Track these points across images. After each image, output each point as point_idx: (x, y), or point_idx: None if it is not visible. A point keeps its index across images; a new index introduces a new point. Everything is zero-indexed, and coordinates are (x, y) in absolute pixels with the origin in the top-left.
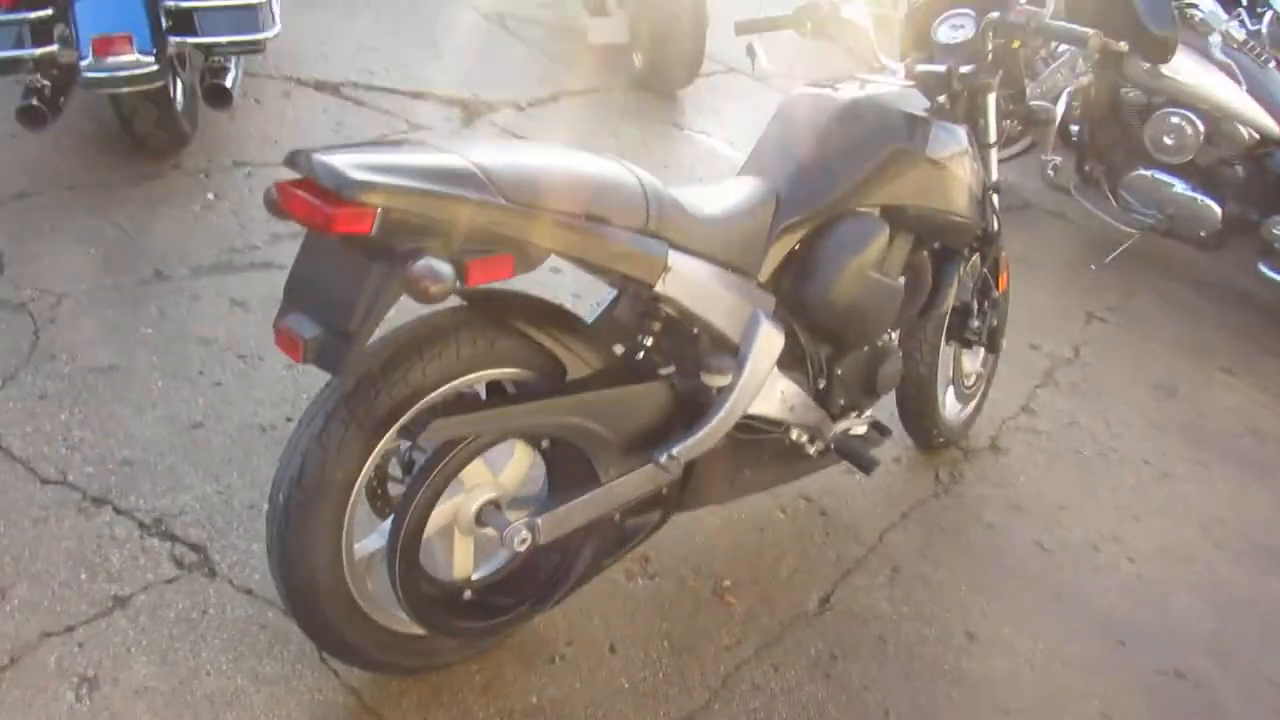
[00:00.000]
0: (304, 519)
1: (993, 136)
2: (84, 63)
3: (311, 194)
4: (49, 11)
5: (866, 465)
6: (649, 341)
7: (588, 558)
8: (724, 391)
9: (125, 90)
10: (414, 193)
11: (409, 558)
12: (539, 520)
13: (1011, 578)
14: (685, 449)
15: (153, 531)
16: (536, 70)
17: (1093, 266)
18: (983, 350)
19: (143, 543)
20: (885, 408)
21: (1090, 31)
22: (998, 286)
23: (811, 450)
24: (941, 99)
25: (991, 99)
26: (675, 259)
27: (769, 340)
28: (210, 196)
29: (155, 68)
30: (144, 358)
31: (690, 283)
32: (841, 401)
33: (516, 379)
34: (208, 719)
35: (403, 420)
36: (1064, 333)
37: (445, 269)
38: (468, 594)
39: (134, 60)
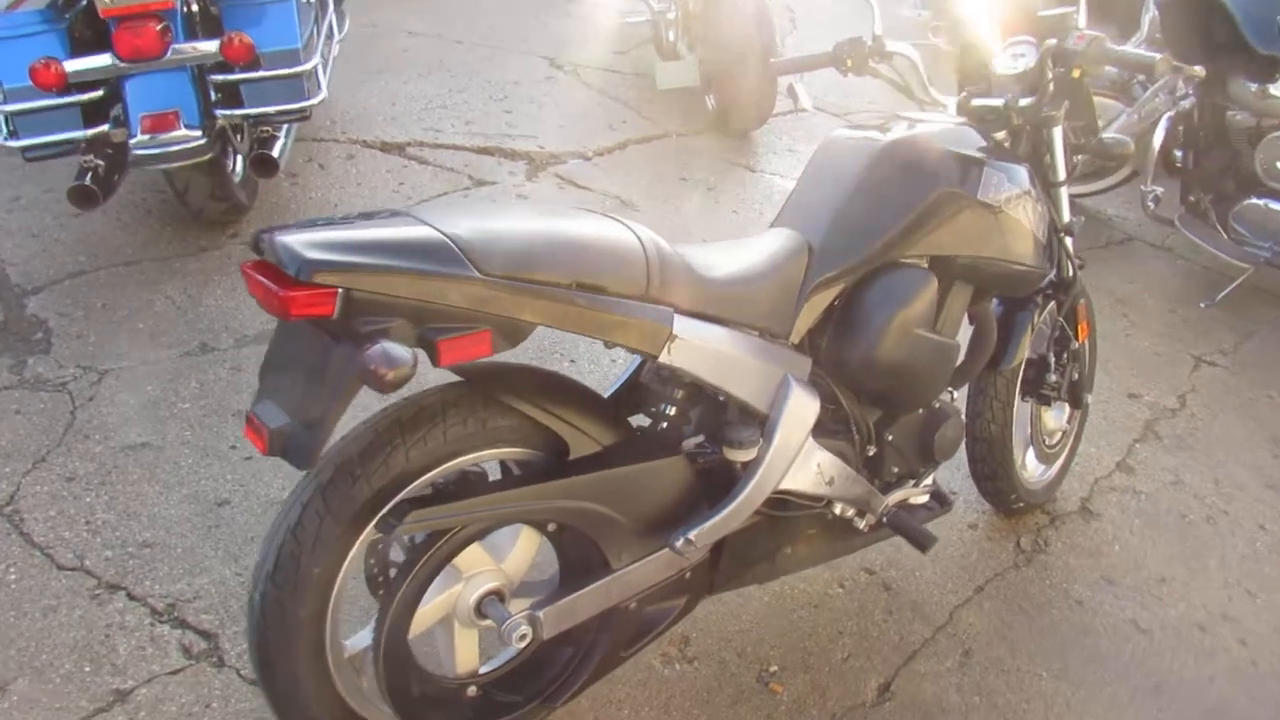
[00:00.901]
0: (280, 617)
1: (1061, 174)
2: (133, 140)
3: (269, 277)
4: (100, 93)
5: (921, 542)
6: (672, 412)
7: (603, 650)
8: (750, 467)
9: (175, 165)
10: (377, 270)
11: (395, 655)
12: (540, 614)
13: (1102, 663)
14: (703, 532)
15: (164, 618)
16: (606, 118)
17: (1202, 305)
18: (1067, 406)
19: (152, 631)
20: (958, 468)
21: (1157, 57)
22: (1077, 336)
23: (861, 524)
24: (1001, 136)
25: (1057, 133)
26: (683, 326)
27: (801, 408)
28: None
29: (203, 142)
30: (177, 433)
31: (703, 350)
32: (895, 470)
33: (518, 459)
34: None
35: (381, 513)
36: (1168, 380)
37: (402, 354)
38: (472, 690)
39: (182, 136)
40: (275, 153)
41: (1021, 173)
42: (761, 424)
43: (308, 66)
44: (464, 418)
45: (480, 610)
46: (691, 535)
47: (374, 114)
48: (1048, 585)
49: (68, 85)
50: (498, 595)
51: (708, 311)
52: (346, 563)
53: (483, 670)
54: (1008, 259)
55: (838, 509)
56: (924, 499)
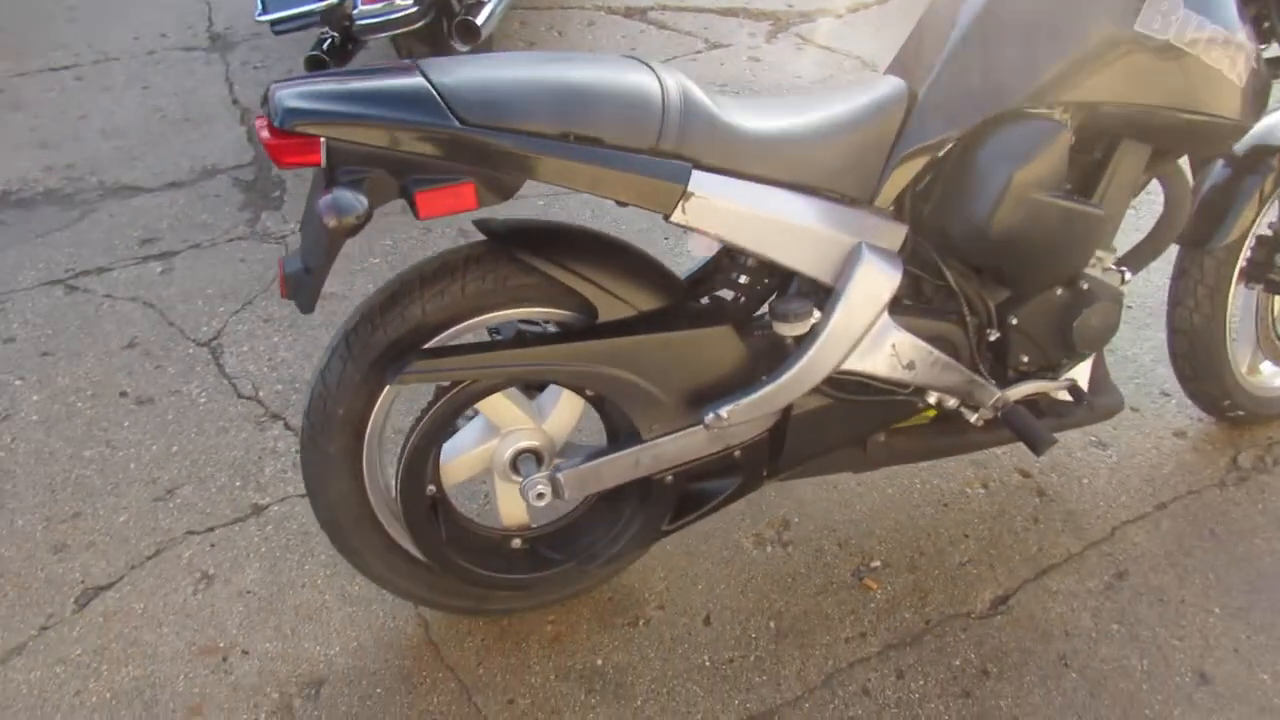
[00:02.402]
0: (315, 452)
1: None
2: (355, 11)
3: (269, 127)
4: None
5: (1034, 443)
6: (743, 281)
7: (641, 522)
8: (803, 343)
9: (394, 33)
10: (354, 120)
11: (414, 495)
12: (561, 476)
13: None
14: (738, 409)
15: None
16: None
17: None
18: None
19: (295, 458)
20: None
21: None
22: None
23: (973, 418)
24: None
25: None
26: (704, 183)
27: (873, 281)
28: None
29: (414, 9)
30: (362, 286)
31: (729, 211)
32: (1025, 359)
33: (552, 319)
34: (288, 628)
35: (391, 363)
36: None
37: (349, 203)
38: (517, 542)
39: (392, 5)
40: (480, 19)
41: (1219, 1)
42: (824, 297)
43: None
44: (484, 274)
45: (515, 466)
46: (723, 411)
47: None
48: (1258, 510)
49: None
50: (534, 454)
51: (747, 169)
52: (376, 406)
53: (533, 526)
54: (1181, 108)
55: (932, 398)
56: (1062, 393)
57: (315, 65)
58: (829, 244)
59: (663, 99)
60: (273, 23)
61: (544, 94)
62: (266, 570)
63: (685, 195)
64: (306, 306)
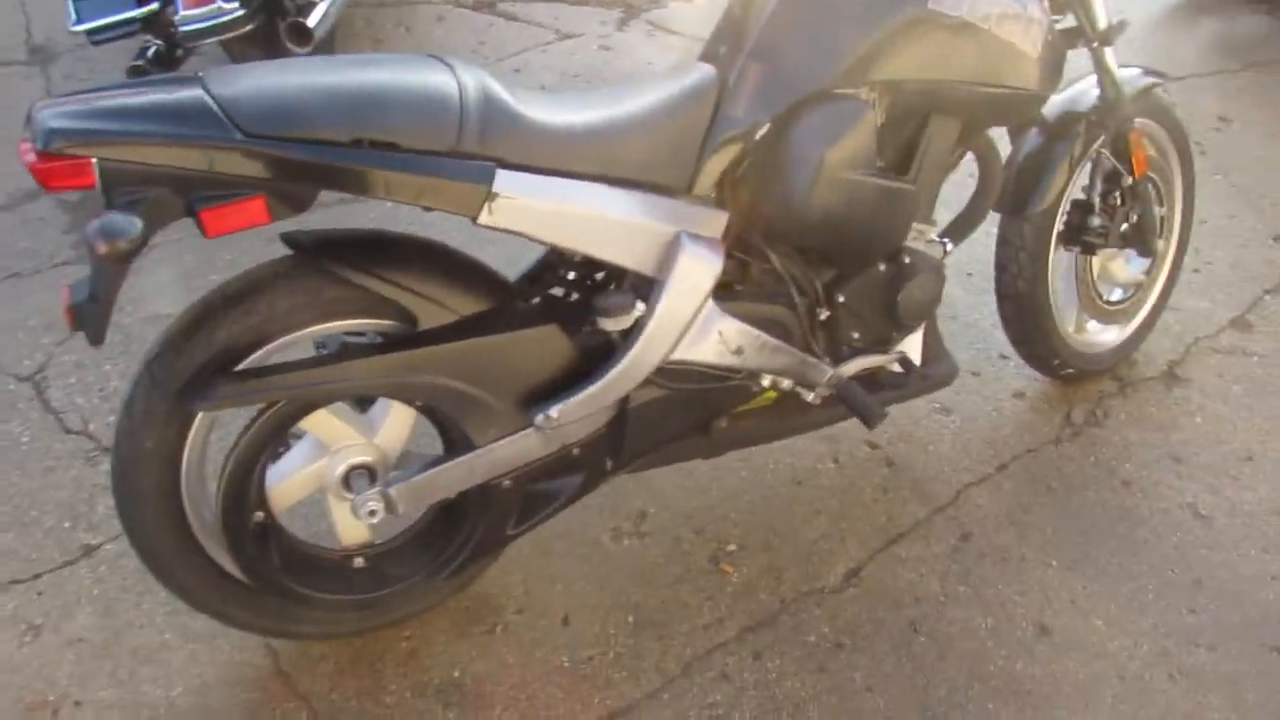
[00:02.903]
0: (126, 487)
1: None
2: (177, 16)
3: (34, 150)
4: None
5: (865, 416)
6: (572, 276)
7: (485, 528)
8: (628, 337)
9: (221, 38)
10: (126, 137)
11: (237, 522)
12: (392, 490)
13: (1134, 554)
14: (568, 408)
15: None
16: None
17: None
18: (1135, 254)
19: None
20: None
21: None
22: (1133, 171)
23: (810, 397)
24: None
25: None
26: (510, 182)
27: (695, 270)
28: None
29: (241, 13)
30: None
31: (539, 210)
32: (856, 335)
33: (375, 330)
34: (125, 672)
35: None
36: None
37: (121, 227)
38: (359, 561)
39: (217, 9)
40: (311, 21)
41: None
42: (648, 289)
43: None
44: (293, 289)
45: (349, 483)
46: (553, 411)
47: None
48: (1091, 463)
49: None
50: (367, 469)
51: (555, 165)
52: (191, 436)
53: (376, 543)
54: (981, 81)
55: (766, 381)
56: (895, 367)
57: (137, 76)
58: (647, 236)
59: (461, 98)
60: (89, 33)
61: (332, 99)
62: (100, 614)
63: (491, 196)
64: (96, 338)
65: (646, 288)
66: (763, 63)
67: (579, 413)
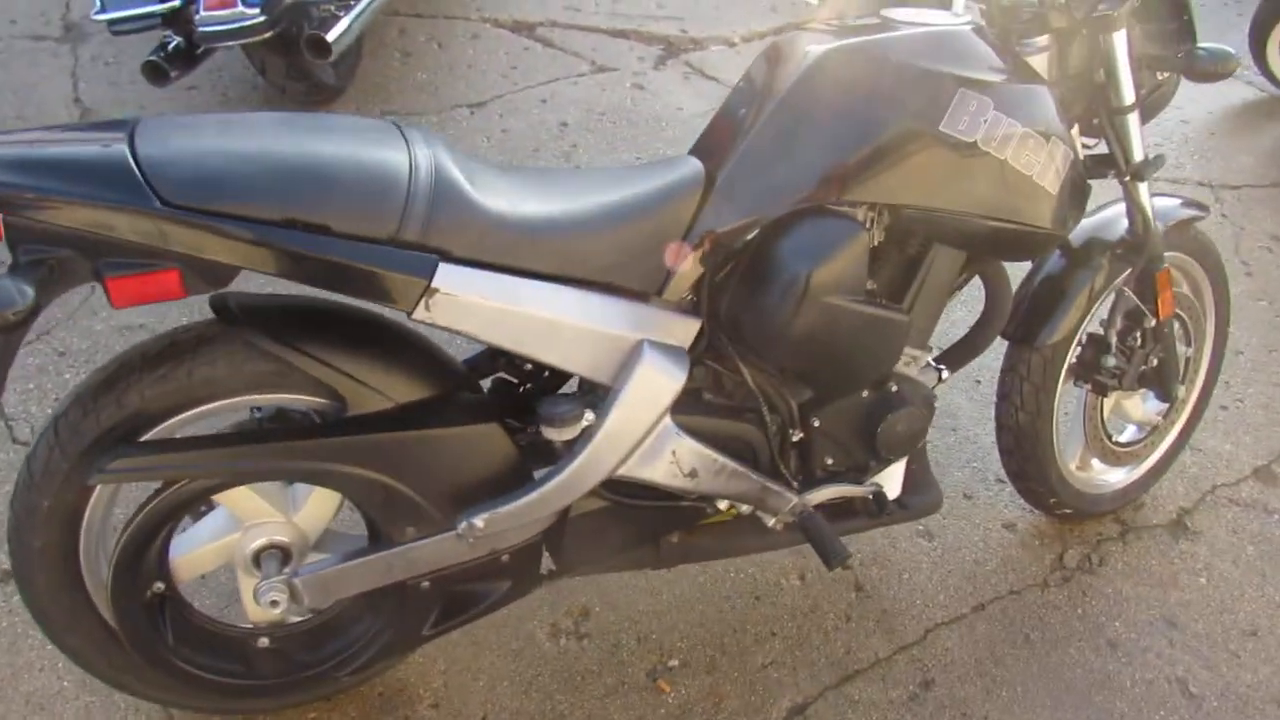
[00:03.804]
0: (18, 543)
1: (1127, 96)
2: (197, 17)
3: None
4: None
5: (826, 555)
6: (528, 367)
7: (398, 627)
8: (572, 448)
9: (238, 43)
10: (33, 194)
11: (127, 594)
12: (298, 581)
13: None
14: (495, 518)
15: None
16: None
17: None
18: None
19: None
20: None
21: None
22: (1158, 312)
23: (770, 522)
24: (1043, 42)
25: (1118, 41)
26: (452, 278)
27: (653, 383)
28: None
29: (260, 20)
30: (175, 318)
31: (483, 309)
32: (830, 462)
33: (302, 407)
34: (13, 717)
35: (93, 456)
36: None
37: (10, 295)
38: (264, 641)
39: (239, 13)
40: (331, 34)
41: (1034, 99)
42: (600, 396)
43: None
44: (215, 358)
45: (258, 563)
46: (479, 520)
47: None
48: (1077, 615)
49: None
50: (280, 550)
51: (506, 261)
52: (92, 501)
53: (288, 622)
54: (988, 214)
55: (722, 504)
56: (866, 497)
57: (153, 72)
58: (603, 342)
59: (410, 180)
60: (110, 23)
61: (267, 171)
62: (4, 649)
63: (429, 291)
64: None
65: (600, 394)
66: (755, 165)
67: (509, 523)
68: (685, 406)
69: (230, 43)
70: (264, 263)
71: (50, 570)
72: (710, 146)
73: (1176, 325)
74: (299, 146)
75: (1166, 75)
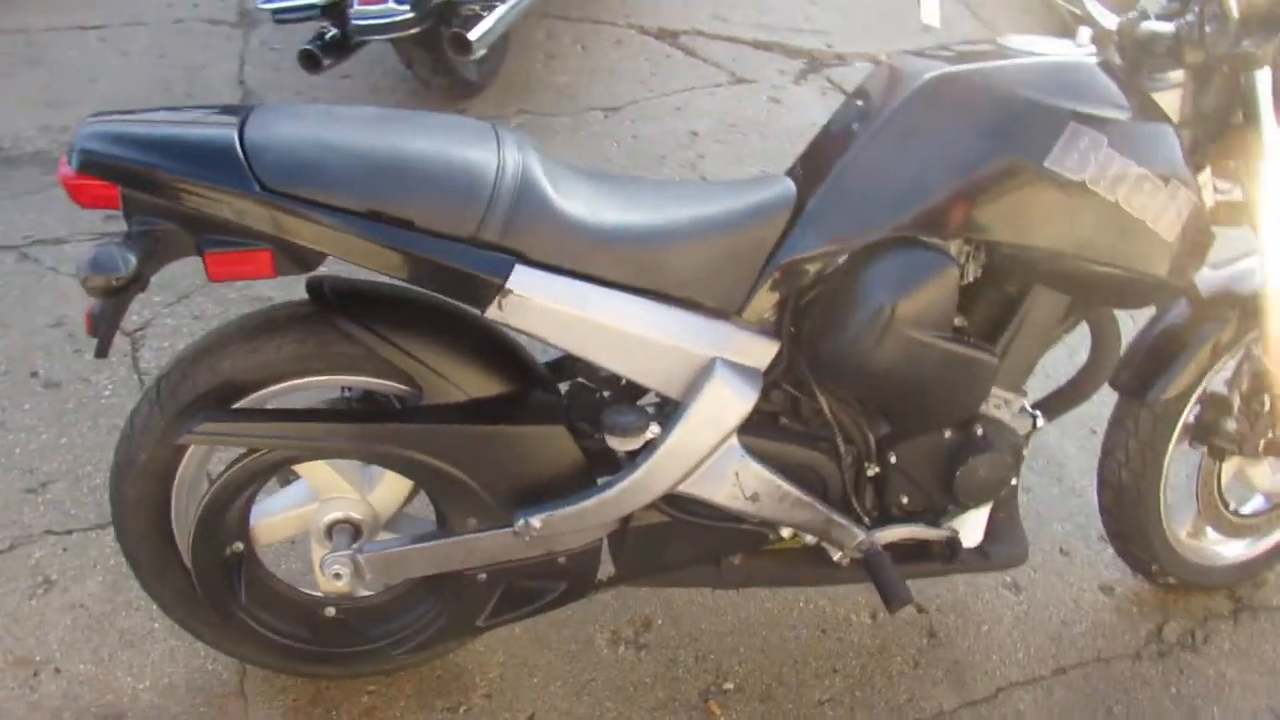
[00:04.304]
0: (117, 491)
1: (1269, 141)
2: (351, 10)
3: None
4: None
5: (888, 597)
6: (603, 373)
7: (453, 615)
8: (635, 459)
9: (388, 37)
10: (147, 170)
11: (210, 552)
12: (362, 558)
13: None
14: (551, 520)
15: None
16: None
17: None
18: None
19: None
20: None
21: None
22: None
23: (836, 556)
24: (1177, 77)
25: (1262, 81)
26: (527, 280)
27: (721, 403)
28: None
29: (409, 15)
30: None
31: (556, 314)
32: (905, 500)
33: (380, 390)
34: (106, 652)
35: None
36: None
37: (109, 262)
38: (331, 610)
39: (388, 9)
40: (474, 33)
41: (1156, 139)
42: (670, 410)
43: None
44: (304, 336)
45: (330, 535)
46: (535, 520)
47: None
48: (1170, 695)
49: None
50: (352, 525)
51: (582, 268)
52: (185, 459)
53: (355, 596)
54: (1093, 258)
55: (785, 531)
56: (939, 538)
57: (308, 60)
58: (674, 357)
59: (495, 182)
60: (273, 11)
61: (359, 164)
62: (108, 586)
63: (503, 291)
64: (99, 352)
65: (670, 409)
66: (847, 189)
67: (565, 526)
68: (756, 429)
69: (380, 36)
70: (346, 250)
71: (142, 519)
72: (806, 167)
73: None
74: (392, 142)
75: None
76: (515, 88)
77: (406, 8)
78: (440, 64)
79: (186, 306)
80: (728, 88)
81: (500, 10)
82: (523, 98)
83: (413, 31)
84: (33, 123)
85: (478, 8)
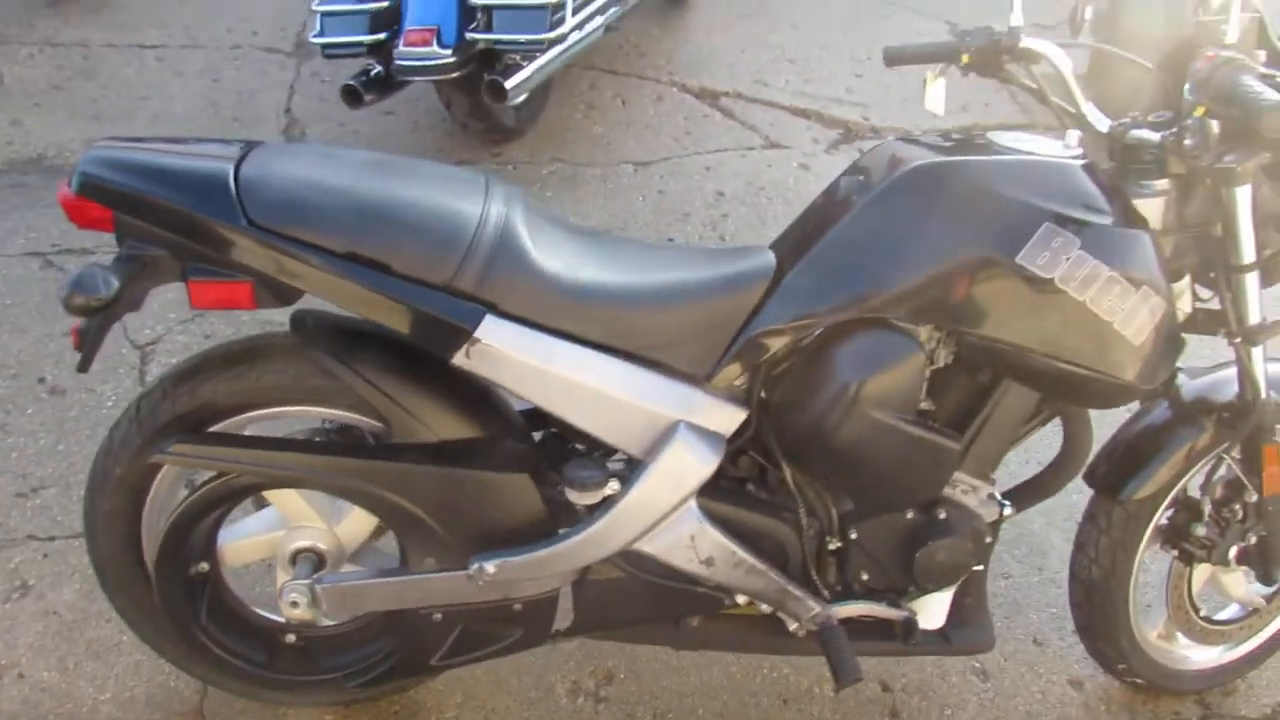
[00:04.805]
0: (90, 503)
1: (1246, 254)
2: (396, 51)
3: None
4: (386, 4)
5: (838, 673)
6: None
7: (407, 651)
8: (593, 512)
9: (427, 79)
10: (140, 196)
11: (171, 574)
12: (320, 589)
13: None
14: (506, 566)
15: None
16: (968, 96)
17: None
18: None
19: None
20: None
21: None
22: (1261, 488)
23: (791, 626)
24: (1163, 186)
25: (1241, 196)
26: (496, 331)
27: (682, 464)
28: None
29: (450, 60)
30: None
31: (523, 366)
32: (865, 577)
33: (351, 424)
34: (73, 659)
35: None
36: None
37: (95, 284)
38: (291, 637)
39: (432, 52)
40: (510, 82)
41: (1130, 244)
42: (631, 468)
43: (551, 0)
44: (285, 366)
45: (294, 563)
46: (490, 565)
47: (714, 58)
48: None
49: None
50: (316, 555)
51: (553, 323)
52: (159, 477)
53: (316, 625)
54: (1057, 356)
55: (740, 598)
56: (897, 615)
57: (350, 95)
58: (638, 416)
59: (475, 233)
60: (324, 46)
61: (344, 206)
62: (83, 595)
63: (471, 340)
64: (79, 366)
65: (632, 465)
66: (824, 267)
67: (520, 573)
68: (719, 495)
69: (421, 78)
70: (323, 288)
71: (113, 532)
72: (790, 240)
73: None
74: (381, 187)
75: None
76: (552, 135)
77: (449, 52)
78: (477, 108)
79: (199, 325)
80: (760, 151)
81: (540, 61)
82: (558, 145)
83: (453, 76)
84: (79, 135)
85: (519, 57)
